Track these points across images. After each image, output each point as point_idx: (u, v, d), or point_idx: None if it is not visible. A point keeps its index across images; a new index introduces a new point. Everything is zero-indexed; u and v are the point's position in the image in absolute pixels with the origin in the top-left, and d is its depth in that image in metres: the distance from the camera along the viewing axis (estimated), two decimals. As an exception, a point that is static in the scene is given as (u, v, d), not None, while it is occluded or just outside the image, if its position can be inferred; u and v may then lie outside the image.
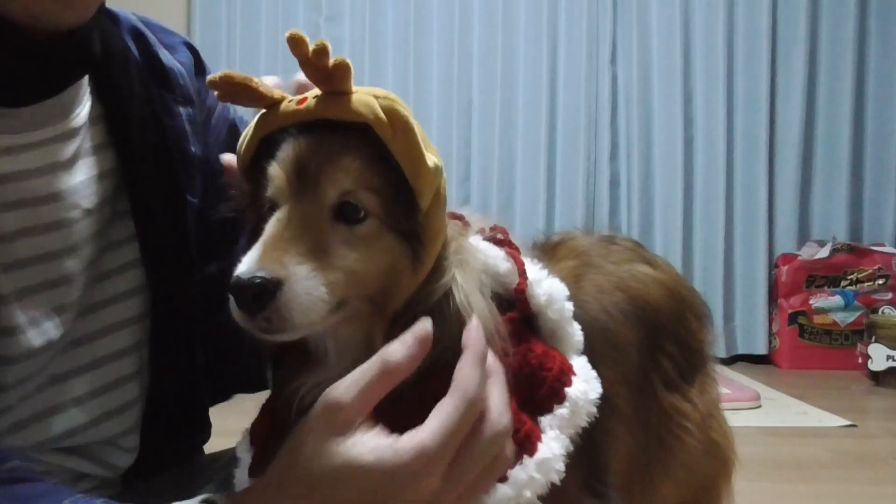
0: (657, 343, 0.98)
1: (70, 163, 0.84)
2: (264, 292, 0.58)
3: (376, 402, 0.62)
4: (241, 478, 0.73)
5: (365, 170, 0.64)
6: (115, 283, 0.89)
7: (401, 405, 0.65)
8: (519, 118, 3.86)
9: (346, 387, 0.61)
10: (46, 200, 0.82)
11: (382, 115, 0.63)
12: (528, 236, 1.04)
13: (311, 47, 0.62)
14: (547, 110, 3.82)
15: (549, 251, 0.99)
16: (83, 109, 0.86)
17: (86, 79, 0.87)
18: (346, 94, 0.64)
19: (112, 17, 0.91)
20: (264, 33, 3.80)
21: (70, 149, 0.84)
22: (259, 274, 0.59)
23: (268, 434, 0.72)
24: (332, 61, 0.62)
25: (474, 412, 0.63)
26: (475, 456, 0.64)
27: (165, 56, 0.96)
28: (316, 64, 0.62)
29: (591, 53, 3.84)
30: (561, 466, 0.69)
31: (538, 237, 1.04)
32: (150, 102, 0.91)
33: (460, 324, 0.67)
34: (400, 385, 0.64)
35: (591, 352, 0.82)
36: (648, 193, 3.86)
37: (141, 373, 0.91)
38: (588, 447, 0.78)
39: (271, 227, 0.63)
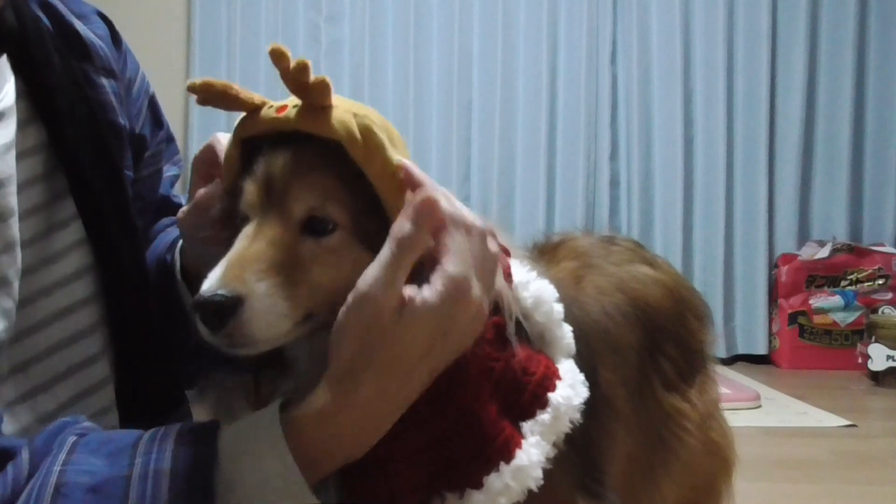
0: (657, 344, 0.98)
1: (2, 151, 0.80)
2: (224, 310, 0.60)
3: (405, 279, 0.63)
4: None
5: (333, 185, 0.65)
6: (63, 264, 0.86)
7: None
8: (519, 118, 3.85)
9: (373, 278, 0.62)
10: None
11: (358, 133, 0.64)
12: (529, 236, 1.05)
13: (292, 62, 0.63)
14: (547, 110, 3.82)
15: (549, 252, 0.99)
16: (7, 91, 0.82)
17: (4, 56, 0.83)
18: (327, 107, 0.65)
19: None
20: (264, 33, 3.80)
21: (8, 131, 0.80)
22: (220, 292, 0.60)
23: None
24: (312, 79, 0.63)
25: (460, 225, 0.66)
26: (484, 252, 0.67)
27: (80, 27, 0.92)
28: (296, 79, 0.64)
29: (591, 53, 3.84)
30: (538, 474, 0.68)
31: (538, 237, 1.04)
32: (70, 74, 0.87)
33: None
34: None
35: (593, 354, 0.82)
36: (648, 193, 3.86)
37: (106, 352, 0.89)
38: (587, 448, 0.78)
39: (238, 242, 0.65)
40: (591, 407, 0.76)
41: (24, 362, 0.83)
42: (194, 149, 3.63)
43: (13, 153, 0.80)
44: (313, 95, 0.64)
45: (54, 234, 0.86)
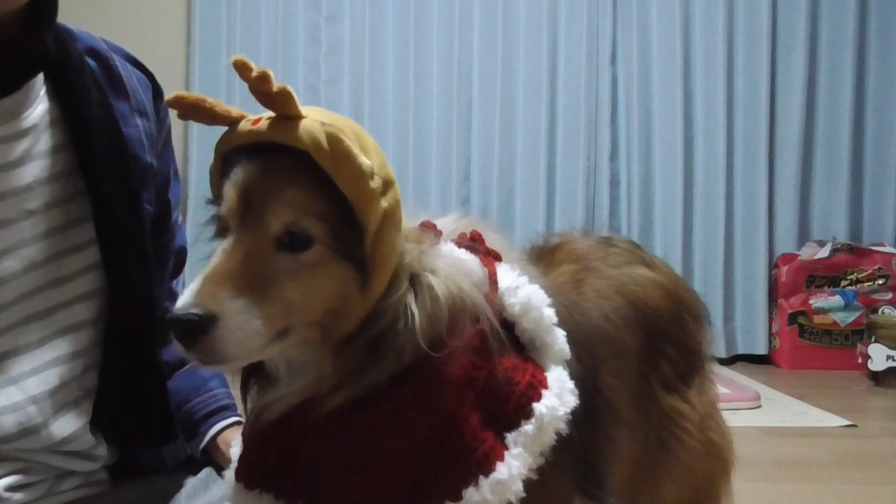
0: (656, 346, 0.98)
1: (17, 163, 0.86)
2: (197, 328, 0.61)
3: None
4: (229, 476, 0.78)
5: (309, 197, 0.66)
6: (71, 287, 0.90)
7: (373, 410, 0.67)
8: (519, 118, 3.85)
9: None
10: None
11: (325, 142, 0.65)
12: (528, 236, 1.05)
13: (254, 72, 0.63)
14: (547, 110, 3.82)
15: (547, 255, 0.99)
16: (34, 111, 0.87)
17: (39, 80, 0.88)
18: (296, 118, 0.66)
19: (68, 31, 0.93)
20: (264, 33, 3.80)
21: (18, 150, 0.86)
22: (193, 310, 0.61)
23: (247, 442, 0.77)
24: (274, 88, 0.64)
25: None
26: None
27: (123, 68, 0.98)
28: (259, 89, 0.64)
29: (591, 53, 3.84)
30: (519, 487, 0.68)
31: (537, 239, 1.05)
32: (106, 108, 0.92)
33: (436, 321, 0.67)
34: (371, 389, 0.66)
35: (596, 359, 0.82)
36: (648, 193, 3.86)
37: (90, 371, 0.92)
38: (588, 453, 0.78)
39: (215, 258, 0.65)
40: (592, 413, 0.75)
41: (19, 375, 0.87)
42: (194, 153, 3.64)
43: (26, 169, 0.85)
44: (277, 104, 0.65)
45: (68, 258, 0.90)
